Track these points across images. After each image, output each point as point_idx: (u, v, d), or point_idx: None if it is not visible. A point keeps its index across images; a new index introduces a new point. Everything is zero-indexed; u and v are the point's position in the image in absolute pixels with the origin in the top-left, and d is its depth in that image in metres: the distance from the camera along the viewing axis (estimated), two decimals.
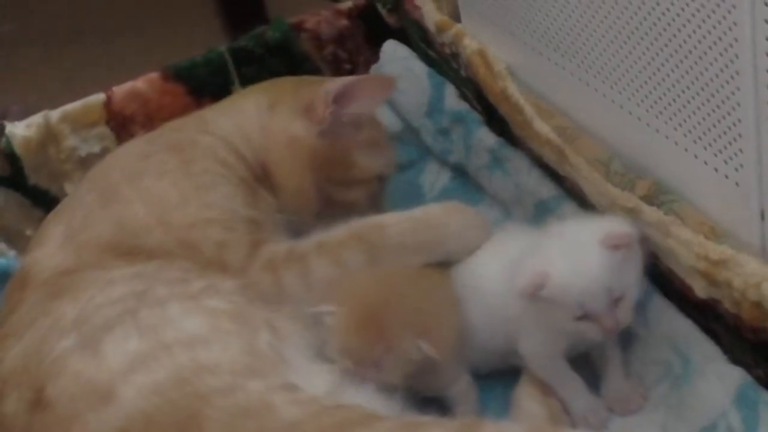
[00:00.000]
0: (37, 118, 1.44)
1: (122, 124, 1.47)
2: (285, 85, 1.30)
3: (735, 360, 1.03)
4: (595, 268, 1.01)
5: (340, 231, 1.15)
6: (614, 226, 1.04)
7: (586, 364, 1.12)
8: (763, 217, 0.98)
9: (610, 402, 1.10)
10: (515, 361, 1.12)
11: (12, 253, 1.40)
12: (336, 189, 1.24)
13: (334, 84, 1.21)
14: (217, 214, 1.14)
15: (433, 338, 1.05)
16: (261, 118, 1.25)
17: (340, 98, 1.21)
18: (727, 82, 0.93)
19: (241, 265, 1.11)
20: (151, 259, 1.07)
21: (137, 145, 1.25)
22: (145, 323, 0.95)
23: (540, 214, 1.26)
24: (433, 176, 1.52)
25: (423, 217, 1.18)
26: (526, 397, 1.10)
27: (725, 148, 0.98)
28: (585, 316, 1.02)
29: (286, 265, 1.12)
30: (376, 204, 1.27)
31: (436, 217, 1.18)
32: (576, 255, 1.03)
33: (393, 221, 1.17)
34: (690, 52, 0.97)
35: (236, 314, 0.98)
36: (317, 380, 0.96)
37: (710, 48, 0.93)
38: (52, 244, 1.12)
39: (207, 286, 1.01)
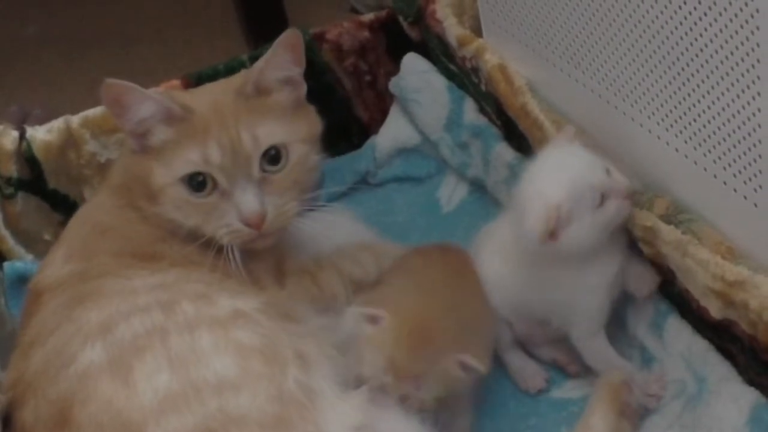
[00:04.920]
0: (58, 123, 1.43)
1: None
2: None
3: (750, 381, 1.03)
4: (577, 157, 1.12)
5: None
6: (560, 133, 1.18)
7: None
8: None
9: (632, 285, 1.16)
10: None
11: (30, 257, 1.40)
12: None
13: None
14: None
15: (475, 352, 1.05)
16: None
17: None
18: (749, 103, 0.93)
19: (274, 276, 1.15)
20: (173, 266, 1.07)
21: None
22: (175, 353, 0.94)
23: None
24: (451, 190, 1.52)
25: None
26: (598, 415, 1.07)
27: (745, 168, 0.98)
28: (603, 198, 1.08)
29: (319, 268, 1.19)
30: None
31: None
32: (558, 165, 1.11)
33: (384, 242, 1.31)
34: (711, 72, 0.97)
35: (265, 350, 0.97)
36: (348, 408, 0.96)
37: (732, 69, 0.93)
38: (57, 264, 1.11)
39: (235, 312, 1.00)
